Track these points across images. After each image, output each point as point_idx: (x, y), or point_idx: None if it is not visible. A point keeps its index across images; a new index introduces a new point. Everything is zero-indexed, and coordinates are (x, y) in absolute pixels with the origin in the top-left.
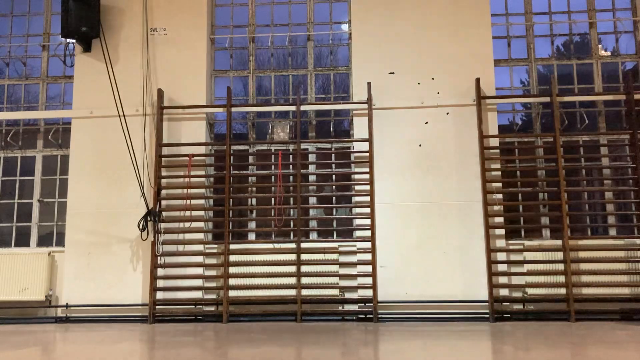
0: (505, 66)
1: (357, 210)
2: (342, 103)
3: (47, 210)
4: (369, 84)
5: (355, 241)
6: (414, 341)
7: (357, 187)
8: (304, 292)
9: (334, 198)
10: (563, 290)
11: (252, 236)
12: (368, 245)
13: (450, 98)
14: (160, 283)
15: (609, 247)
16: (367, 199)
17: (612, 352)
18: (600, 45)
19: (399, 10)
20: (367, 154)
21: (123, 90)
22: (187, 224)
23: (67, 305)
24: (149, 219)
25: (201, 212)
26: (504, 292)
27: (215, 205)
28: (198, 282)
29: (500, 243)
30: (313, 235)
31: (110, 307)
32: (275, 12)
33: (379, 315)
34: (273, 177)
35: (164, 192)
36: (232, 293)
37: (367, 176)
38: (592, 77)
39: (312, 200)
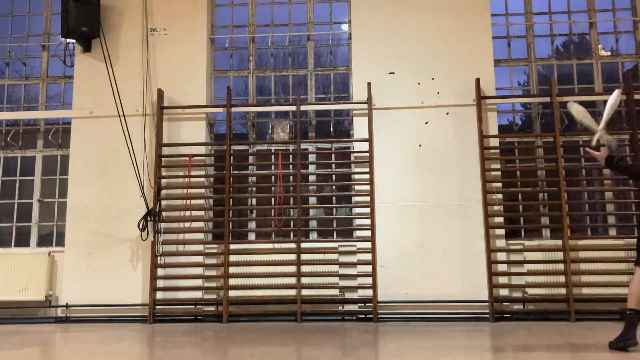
0: (505, 66)
1: (357, 210)
2: (342, 103)
3: (47, 210)
4: (369, 84)
5: (355, 241)
6: (414, 341)
7: (357, 187)
8: (304, 292)
9: (334, 198)
10: (563, 290)
11: (252, 236)
12: (368, 245)
13: (450, 98)
14: (160, 283)
15: (609, 247)
16: (367, 199)
17: (612, 351)
18: (600, 45)
19: (398, 10)
20: (367, 154)
21: (123, 90)
22: (187, 224)
23: (67, 305)
24: (149, 219)
25: (201, 212)
26: (504, 292)
27: (215, 205)
28: (198, 282)
29: (500, 243)
30: (313, 235)
31: (110, 307)
32: (275, 12)
33: (379, 315)
34: (273, 177)
35: (164, 192)
36: (232, 293)
37: (367, 176)
38: (592, 77)
39: (312, 200)
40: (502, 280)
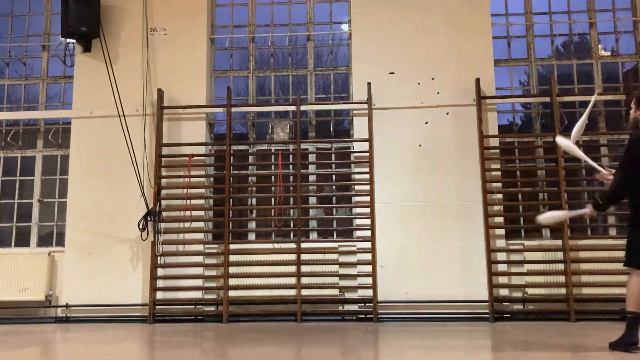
0: (505, 66)
1: (357, 210)
2: (342, 103)
3: (47, 210)
4: (369, 84)
5: (355, 241)
6: (414, 341)
7: (357, 187)
8: (304, 292)
9: (334, 198)
10: (563, 290)
11: (252, 236)
12: (368, 245)
13: (450, 98)
14: (160, 283)
15: (609, 247)
16: (367, 199)
17: (612, 352)
18: (600, 45)
19: (399, 10)
20: (367, 154)
21: (123, 90)
22: (187, 224)
23: (67, 305)
24: (149, 219)
25: (201, 212)
26: (504, 292)
27: (215, 205)
28: (198, 282)
29: (500, 243)
30: (313, 235)
31: (110, 307)
32: (275, 12)
33: (379, 315)
34: (273, 177)
35: (164, 192)
36: (232, 293)
37: (367, 176)
38: (592, 77)
39: (312, 200)
40: (502, 280)
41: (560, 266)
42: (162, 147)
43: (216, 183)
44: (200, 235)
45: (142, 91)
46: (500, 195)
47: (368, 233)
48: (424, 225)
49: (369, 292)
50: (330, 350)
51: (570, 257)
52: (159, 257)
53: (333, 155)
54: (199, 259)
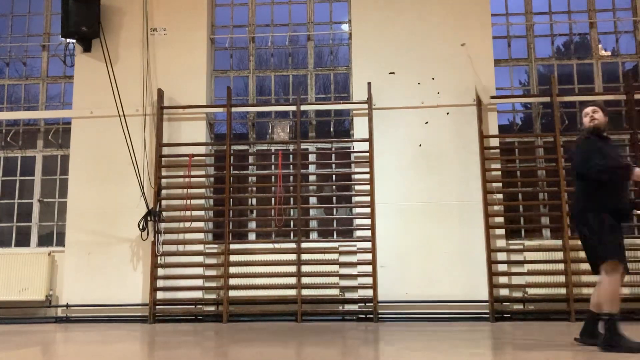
0: (505, 66)
1: (357, 210)
2: (342, 103)
3: (47, 210)
4: (369, 84)
5: (356, 241)
6: (414, 341)
7: (357, 187)
8: (304, 292)
9: (334, 198)
10: (563, 290)
11: (252, 236)
12: (368, 245)
13: (450, 98)
14: (161, 283)
15: None
16: (367, 199)
17: (612, 352)
18: (600, 45)
19: (399, 10)
20: (367, 154)
21: (123, 90)
22: (187, 224)
23: (67, 305)
24: (149, 219)
25: (201, 212)
26: (504, 292)
27: (215, 205)
28: (198, 282)
29: (501, 243)
30: (313, 235)
31: (110, 307)
32: (275, 12)
33: (379, 315)
34: (273, 177)
35: (164, 192)
36: (233, 293)
37: (367, 176)
38: (592, 77)
39: (312, 200)
40: (502, 280)
41: (560, 266)
42: (162, 147)
43: (216, 183)
44: (201, 235)
45: (142, 91)
46: (500, 195)
47: (368, 233)
48: (424, 225)
49: (369, 292)
50: (330, 350)
51: (570, 257)
52: (159, 257)
53: (333, 155)
54: (199, 259)
